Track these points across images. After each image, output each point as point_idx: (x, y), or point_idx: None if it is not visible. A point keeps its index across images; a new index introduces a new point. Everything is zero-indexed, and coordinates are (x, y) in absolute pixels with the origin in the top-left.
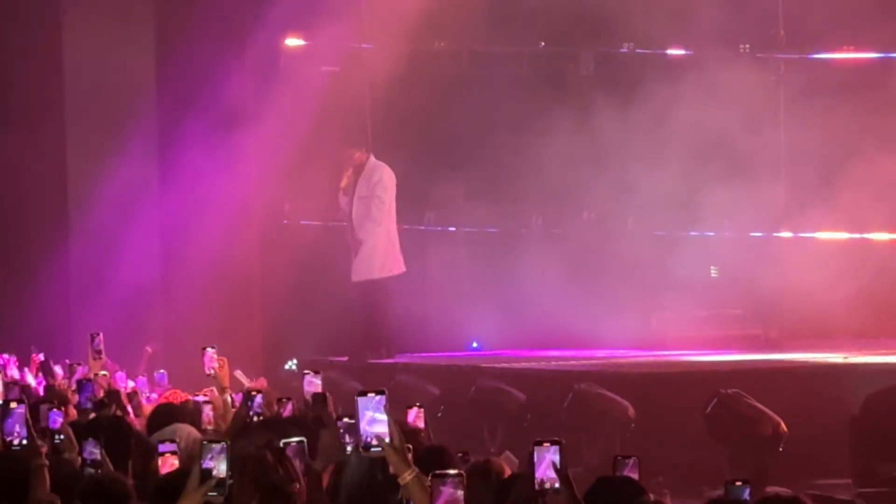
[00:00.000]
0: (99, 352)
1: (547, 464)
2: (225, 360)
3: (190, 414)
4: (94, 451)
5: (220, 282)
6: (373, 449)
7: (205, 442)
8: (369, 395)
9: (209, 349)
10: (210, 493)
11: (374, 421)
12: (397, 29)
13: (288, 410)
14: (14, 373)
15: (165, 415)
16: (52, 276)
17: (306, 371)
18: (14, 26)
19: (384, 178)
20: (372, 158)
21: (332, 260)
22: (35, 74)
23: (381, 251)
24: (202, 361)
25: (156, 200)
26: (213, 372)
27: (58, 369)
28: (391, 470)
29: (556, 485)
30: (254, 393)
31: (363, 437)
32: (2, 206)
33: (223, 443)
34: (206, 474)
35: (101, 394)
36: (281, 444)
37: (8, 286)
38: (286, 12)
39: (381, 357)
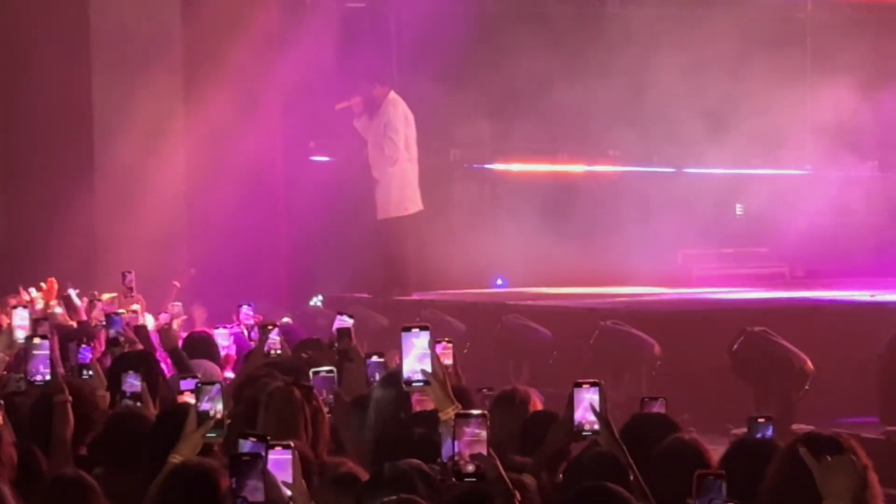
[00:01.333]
0: (130, 289)
1: (586, 406)
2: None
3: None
4: (134, 382)
5: (246, 218)
6: (415, 384)
7: (200, 384)
8: (413, 330)
9: (245, 307)
10: (209, 434)
11: (419, 356)
12: None
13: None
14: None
15: (193, 346)
16: (77, 213)
17: (340, 312)
18: None
19: (391, 118)
20: (391, 94)
21: (357, 196)
22: (61, 13)
23: (395, 190)
24: (237, 317)
25: (181, 137)
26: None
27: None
28: (434, 405)
29: (596, 427)
30: (270, 327)
31: (407, 373)
32: (27, 143)
33: (218, 384)
34: (204, 416)
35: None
36: (311, 374)
37: (34, 223)
38: None
39: (404, 294)
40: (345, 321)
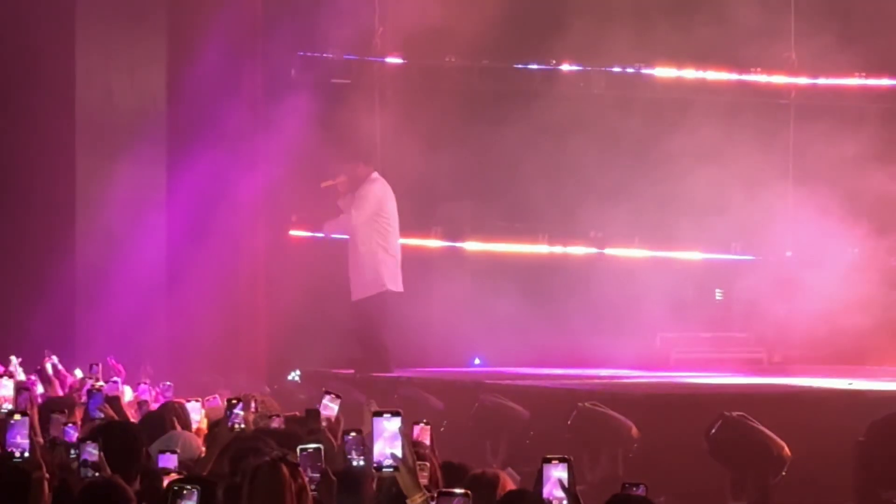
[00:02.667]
0: (97, 380)
1: (554, 482)
2: None
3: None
4: (92, 451)
5: (226, 291)
6: (384, 469)
7: (175, 487)
8: (385, 414)
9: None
10: None
11: (390, 441)
12: (408, 43)
13: (276, 423)
14: (21, 377)
15: (157, 422)
16: (58, 279)
17: (327, 391)
18: (29, 33)
19: (365, 193)
20: (374, 174)
21: (338, 271)
22: (47, 79)
23: (369, 268)
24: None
25: (163, 208)
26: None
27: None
28: (403, 490)
29: (564, 503)
30: (234, 401)
31: (377, 457)
32: (9, 209)
33: (196, 489)
34: None
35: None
36: (298, 451)
37: (14, 288)
38: (299, 24)
39: (386, 372)
40: (330, 406)
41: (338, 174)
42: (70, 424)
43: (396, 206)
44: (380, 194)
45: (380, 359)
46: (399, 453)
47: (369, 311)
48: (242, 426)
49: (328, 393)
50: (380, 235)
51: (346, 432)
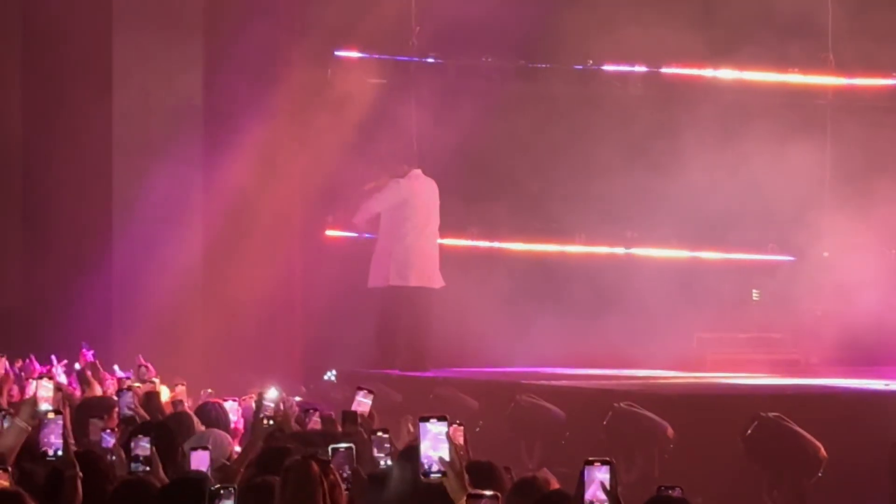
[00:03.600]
0: (144, 382)
1: (597, 484)
2: None
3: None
4: (145, 446)
5: (262, 291)
6: (433, 475)
7: (212, 488)
8: (431, 420)
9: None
10: None
11: (436, 446)
12: (445, 43)
13: (315, 421)
14: (62, 378)
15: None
16: (95, 280)
17: (361, 387)
18: (66, 36)
19: (392, 184)
20: (414, 172)
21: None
22: (85, 82)
23: (379, 259)
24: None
25: (199, 208)
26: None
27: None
28: (450, 494)
29: None
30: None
31: (424, 463)
32: (48, 211)
33: (233, 488)
34: None
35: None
36: (329, 450)
37: (52, 288)
38: (336, 23)
39: (385, 369)
40: (363, 402)
41: (380, 175)
42: (107, 430)
43: (438, 204)
44: (405, 189)
45: (383, 355)
46: (447, 457)
47: (378, 303)
48: (272, 421)
49: (361, 389)
50: (398, 229)
51: (374, 431)
